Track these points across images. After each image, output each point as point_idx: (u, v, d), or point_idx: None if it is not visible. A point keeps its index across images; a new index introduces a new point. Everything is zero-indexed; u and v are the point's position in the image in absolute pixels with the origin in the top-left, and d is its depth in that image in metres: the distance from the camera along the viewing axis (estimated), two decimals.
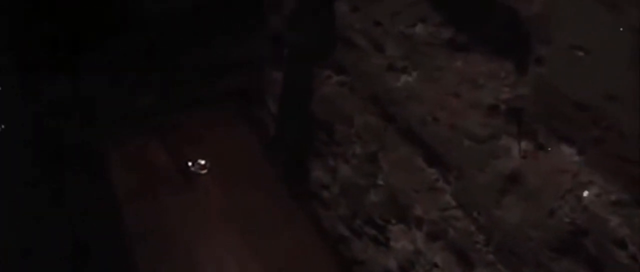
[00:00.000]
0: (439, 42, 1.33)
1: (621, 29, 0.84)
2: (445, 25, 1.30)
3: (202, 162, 2.27)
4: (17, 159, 1.77)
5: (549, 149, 1.10)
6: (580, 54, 0.94)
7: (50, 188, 2.01)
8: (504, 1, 1.09)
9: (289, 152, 2.29)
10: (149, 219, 2.09)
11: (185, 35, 2.43)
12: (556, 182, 1.09)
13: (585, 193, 1.02)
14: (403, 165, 1.62)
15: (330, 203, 2.13)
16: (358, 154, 1.86)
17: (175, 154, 2.32)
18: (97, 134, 2.32)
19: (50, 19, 2.19)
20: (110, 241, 1.99)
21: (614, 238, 0.96)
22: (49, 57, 2.21)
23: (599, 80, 0.93)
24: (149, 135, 2.40)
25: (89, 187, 2.15)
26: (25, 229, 1.72)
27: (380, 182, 1.76)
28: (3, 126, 1.86)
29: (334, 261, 2.01)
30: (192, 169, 2.26)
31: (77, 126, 2.26)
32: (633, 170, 0.89)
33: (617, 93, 0.89)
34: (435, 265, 1.54)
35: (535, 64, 1.07)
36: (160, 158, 2.31)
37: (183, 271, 1.95)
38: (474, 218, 1.35)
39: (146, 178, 2.24)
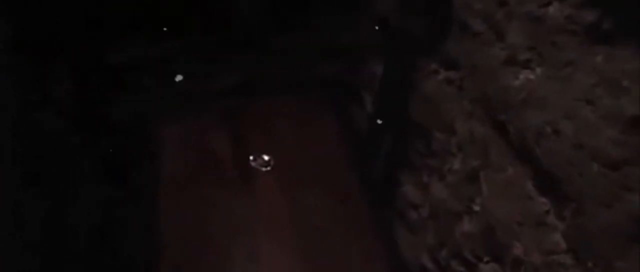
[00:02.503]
0: (577, 29, 1.11)
1: None
2: (588, 6, 1.08)
3: (266, 157, 2.15)
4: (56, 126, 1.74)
5: None
6: None
7: (92, 162, 1.96)
8: None
9: (379, 159, 2.12)
10: (190, 212, 2.00)
11: (282, 14, 2.32)
12: None
13: None
14: (508, 189, 1.44)
15: (416, 226, 1.97)
16: (456, 171, 1.69)
17: (239, 143, 2.22)
18: (160, 110, 2.27)
19: None
20: (142, 228, 1.92)
21: None
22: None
23: None
24: (217, 118, 2.32)
25: (134, 165, 2.09)
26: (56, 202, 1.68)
27: (477, 208, 1.58)
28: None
29: None
30: (253, 163, 2.14)
31: (140, 99, 2.21)
32: None
33: None
34: None
35: None
36: (221, 146, 2.22)
37: None
38: (588, 269, 1.15)
39: (199, 165, 2.16)
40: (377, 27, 2.08)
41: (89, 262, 1.76)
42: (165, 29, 2.18)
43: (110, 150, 2.07)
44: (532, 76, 1.28)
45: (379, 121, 2.09)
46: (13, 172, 1.39)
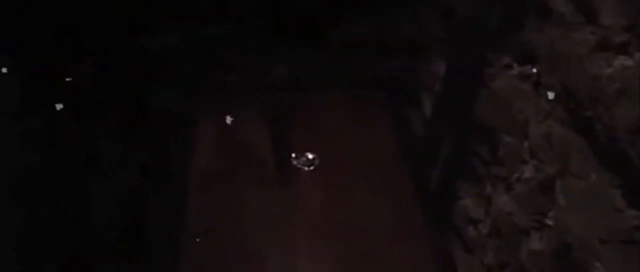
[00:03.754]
0: None
1: None
2: None
3: (310, 156, 2.04)
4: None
5: None
6: None
7: (123, 154, 1.90)
8: None
9: (436, 166, 2.00)
10: (222, 211, 1.91)
11: (338, 6, 2.22)
12: None
13: None
14: (589, 200, 1.29)
15: (474, 244, 1.85)
16: (527, 180, 1.57)
17: (283, 141, 2.13)
18: (199, 100, 2.21)
19: None
20: (168, 224, 1.83)
21: None
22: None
23: None
24: (260, 112, 2.24)
25: (167, 156, 2.01)
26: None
27: (550, 222, 1.46)
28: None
29: None
30: (295, 162, 2.03)
31: (179, 89, 2.15)
32: None
33: None
34: None
35: None
36: (262, 141, 2.13)
37: None
38: None
39: (236, 160, 2.08)
40: (441, 19, 1.97)
41: (110, 255, 1.69)
42: (209, 15, 2.12)
43: (144, 141, 2.01)
44: (629, 62, 1.13)
45: (438, 122, 1.97)
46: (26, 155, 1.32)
